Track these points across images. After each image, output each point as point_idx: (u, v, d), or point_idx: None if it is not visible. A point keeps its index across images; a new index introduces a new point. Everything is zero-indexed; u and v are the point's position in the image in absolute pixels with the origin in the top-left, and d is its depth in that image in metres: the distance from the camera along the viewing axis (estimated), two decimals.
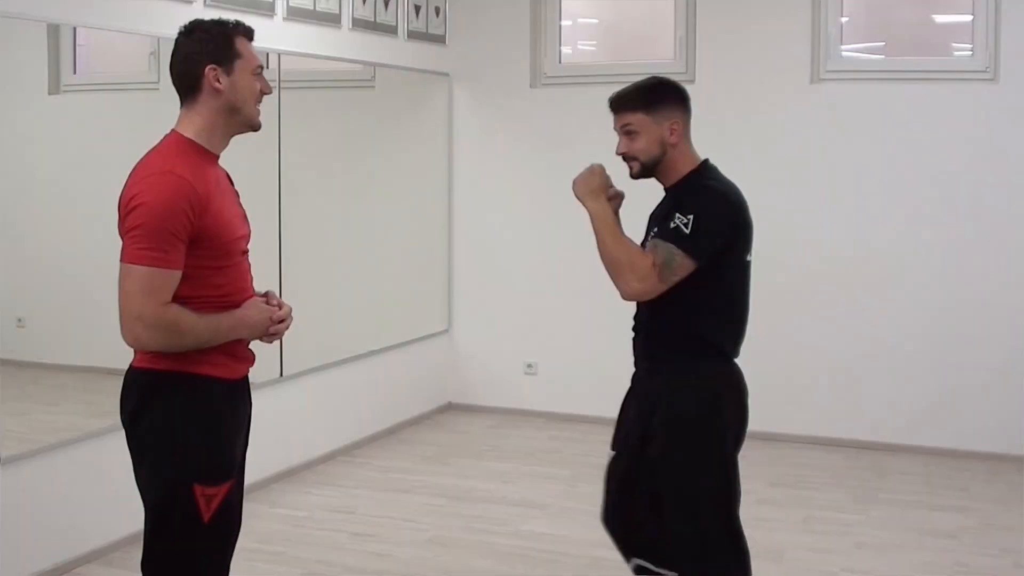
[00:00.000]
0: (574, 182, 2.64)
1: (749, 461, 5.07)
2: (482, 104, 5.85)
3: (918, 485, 4.67)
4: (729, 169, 6.27)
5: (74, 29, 3.87)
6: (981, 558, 3.84)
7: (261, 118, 2.33)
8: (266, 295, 2.39)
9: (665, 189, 2.67)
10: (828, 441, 5.26)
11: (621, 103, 2.60)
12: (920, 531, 4.11)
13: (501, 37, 5.75)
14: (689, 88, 6.15)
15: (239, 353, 2.33)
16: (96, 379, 3.99)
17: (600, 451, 5.24)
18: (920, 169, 5.05)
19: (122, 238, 2.18)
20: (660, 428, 2.58)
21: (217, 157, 2.32)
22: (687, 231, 2.49)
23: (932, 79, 5.02)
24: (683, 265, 2.51)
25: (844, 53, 5.23)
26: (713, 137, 5.48)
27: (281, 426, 4.61)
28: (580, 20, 6.02)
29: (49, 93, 3.85)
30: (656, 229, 2.58)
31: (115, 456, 3.81)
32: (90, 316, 3.98)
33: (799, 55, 5.20)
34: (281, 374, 4.59)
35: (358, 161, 5.23)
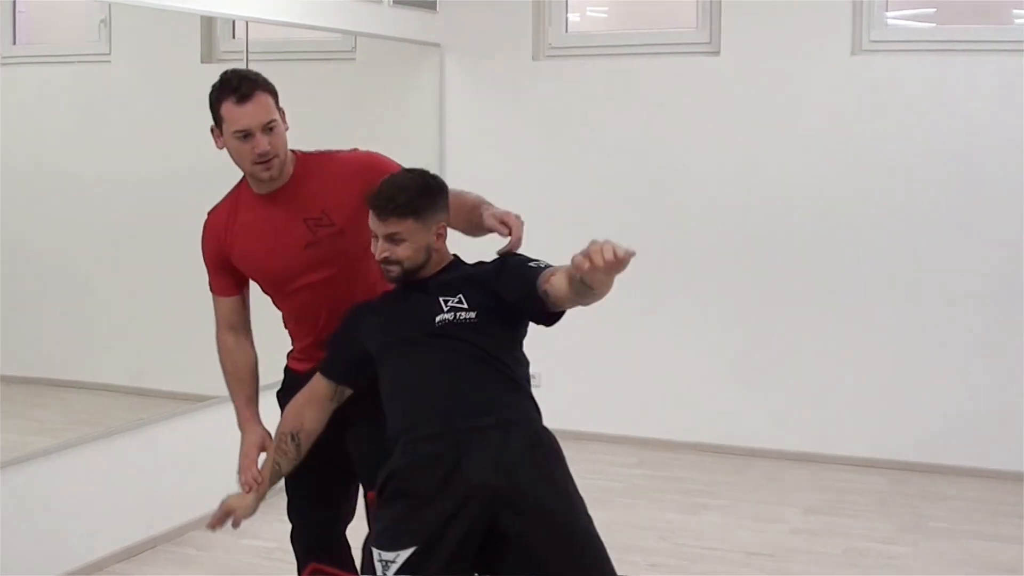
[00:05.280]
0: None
1: (781, 485, 5.14)
2: (478, 79, 5.85)
3: (973, 512, 4.68)
4: (758, 154, 6.24)
5: None
6: None
7: (269, 173, 2.69)
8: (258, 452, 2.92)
9: (418, 281, 2.65)
10: (870, 462, 5.27)
11: (389, 210, 2.57)
12: (976, 564, 4.12)
13: (499, 3, 5.75)
14: (714, 61, 6.14)
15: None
16: (43, 392, 4.00)
17: (612, 472, 5.28)
18: (976, 152, 5.05)
19: None
20: (547, 472, 2.53)
21: (266, 196, 2.74)
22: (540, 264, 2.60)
23: (989, 50, 5.02)
24: None
25: (890, 21, 5.23)
26: (740, 118, 5.54)
27: None
28: None
29: None
30: (468, 296, 2.60)
31: (62, 477, 3.85)
32: (37, 320, 3.99)
33: (839, 23, 5.20)
34: None
35: (336, 143, 5.23)
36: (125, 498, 4.08)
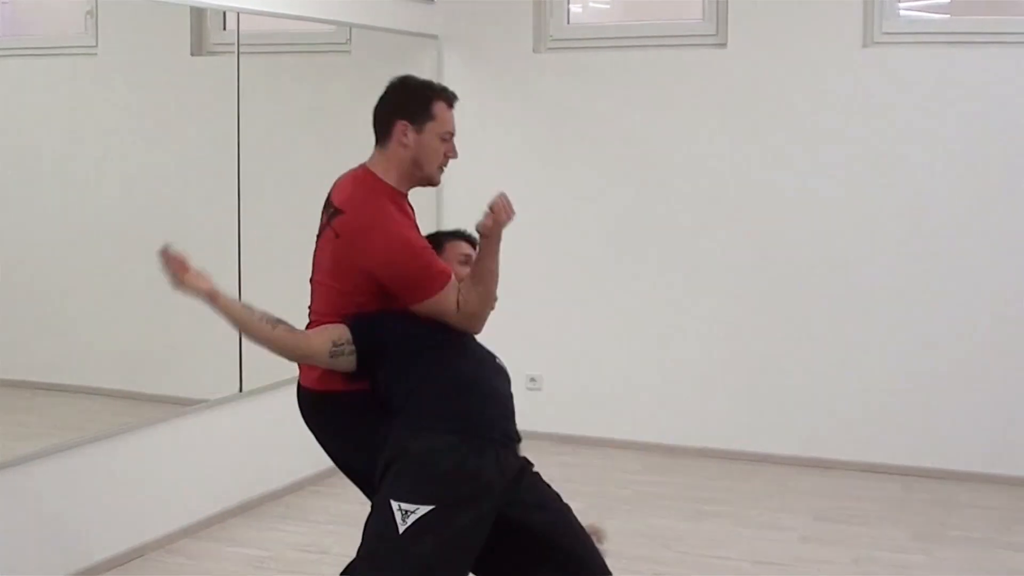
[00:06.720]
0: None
1: (791, 491, 5.13)
2: (477, 72, 5.85)
3: (991, 520, 4.67)
4: (765, 151, 6.22)
5: None
6: None
7: (441, 175, 2.97)
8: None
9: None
10: (882, 468, 5.26)
11: None
12: (992, 573, 4.11)
13: None
14: (720, 54, 6.12)
15: None
16: (29, 396, 3.99)
17: (615, 479, 5.26)
18: (992, 148, 5.05)
19: None
20: (537, 481, 3.07)
21: (403, 195, 2.96)
22: None
23: (1005, 42, 5.02)
24: None
25: (903, 12, 5.23)
26: (747, 113, 5.54)
27: (241, 450, 4.60)
28: None
29: None
30: None
31: (48, 485, 3.84)
32: (20, 322, 3.98)
33: (850, 14, 5.19)
34: (240, 389, 4.59)
35: (330, 139, 5.22)
36: (113, 505, 4.07)
